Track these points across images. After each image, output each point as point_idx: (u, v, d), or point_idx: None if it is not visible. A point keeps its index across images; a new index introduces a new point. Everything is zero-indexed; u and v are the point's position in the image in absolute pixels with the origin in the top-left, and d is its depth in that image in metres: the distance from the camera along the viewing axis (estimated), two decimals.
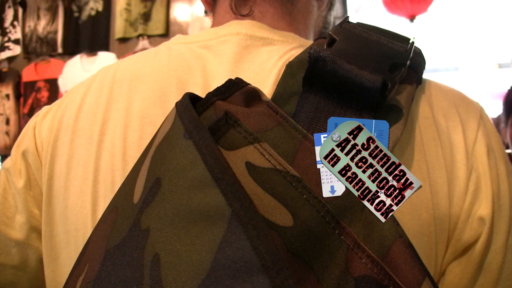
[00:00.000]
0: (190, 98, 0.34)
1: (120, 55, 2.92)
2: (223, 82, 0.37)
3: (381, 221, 0.30)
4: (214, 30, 0.49)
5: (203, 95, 0.36)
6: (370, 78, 0.35)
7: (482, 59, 4.78)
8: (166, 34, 2.86)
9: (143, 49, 2.85)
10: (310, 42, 0.48)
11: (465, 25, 4.10)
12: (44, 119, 0.49)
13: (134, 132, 0.43)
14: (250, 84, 0.37)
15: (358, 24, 0.44)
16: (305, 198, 0.29)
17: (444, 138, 0.42)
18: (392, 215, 0.30)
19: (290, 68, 0.39)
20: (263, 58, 0.45)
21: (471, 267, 0.40)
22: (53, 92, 3.07)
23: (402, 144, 0.40)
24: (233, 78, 0.37)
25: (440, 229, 0.39)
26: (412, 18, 2.85)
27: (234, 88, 0.36)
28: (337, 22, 0.45)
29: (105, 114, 0.44)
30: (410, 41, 0.42)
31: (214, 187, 0.27)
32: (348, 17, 0.44)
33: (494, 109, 4.01)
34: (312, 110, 0.36)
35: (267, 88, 0.41)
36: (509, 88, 1.15)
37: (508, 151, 1.10)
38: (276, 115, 0.34)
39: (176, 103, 0.34)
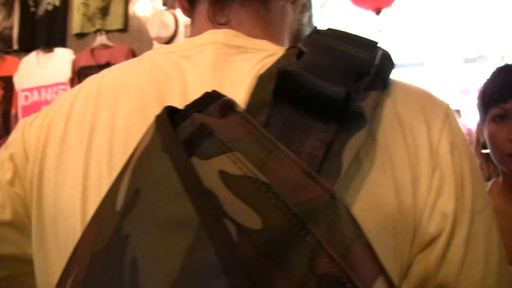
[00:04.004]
0: (170, 111, 0.38)
1: (77, 51, 2.87)
2: (200, 95, 0.40)
3: (342, 222, 0.32)
4: (193, 40, 0.51)
5: (182, 104, 0.39)
6: (333, 90, 0.38)
7: (448, 54, 4.85)
8: (124, 29, 2.81)
9: (101, 45, 2.79)
10: (283, 49, 0.49)
11: (431, 20, 4.13)
12: (32, 125, 0.51)
13: (119, 141, 0.45)
14: (225, 96, 0.39)
15: (327, 32, 0.47)
16: (273, 202, 0.31)
17: (409, 138, 0.44)
18: (353, 217, 0.33)
19: (261, 80, 0.42)
20: (238, 67, 0.47)
21: (435, 259, 0.43)
22: (8, 90, 2.99)
23: (367, 147, 0.42)
24: (210, 89, 0.40)
25: (405, 223, 0.42)
26: (378, 11, 2.84)
27: (210, 100, 0.39)
28: (314, 20, 0.48)
29: (92, 124, 0.46)
30: (376, 49, 0.45)
31: (186, 197, 0.30)
32: (316, 27, 0.47)
33: (460, 103, 4.05)
34: (282, 120, 0.39)
35: (241, 97, 0.43)
36: (484, 82, 1.09)
37: (486, 151, 1.10)
38: (249, 125, 0.36)
39: (156, 117, 0.37)
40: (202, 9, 0.52)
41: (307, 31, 0.58)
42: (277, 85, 0.40)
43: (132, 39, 2.79)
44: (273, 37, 0.52)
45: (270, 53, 0.48)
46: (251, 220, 0.31)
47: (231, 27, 0.50)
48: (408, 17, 3.93)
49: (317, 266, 0.30)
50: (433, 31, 4.40)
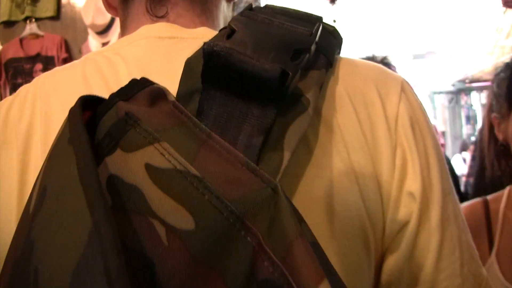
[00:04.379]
0: (93, 100, 0.36)
1: (5, 41, 2.69)
2: (128, 82, 0.37)
3: (284, 219, 0.29)
4: (128, 36, 0.50)
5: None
6: (266, 68, 0.35)
7: (397, 50, 4.91)
8: (57, 17, 2.63)
9: (31, 34, 2.60)
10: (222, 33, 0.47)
11: (381, 16, 4.14)
12: None
13: (38, 142, 0.44)
14: (156, 84, 0.37)
15: (263, 9, 0.44)
16: (207, 199, 0.29)
17: (362, 116, 0.42)
18: (294, 212, 0.30)
19: (189, 64, 0.40)
20: (172, 57, 0.45)
21: (406, 247, 0.41)
22: None
23: (315, 130, 0.40)
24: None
25: (372, 211, 0.40)
26: (332, 1, 2.82)
27: (137, 88, 0.36)
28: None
29: (29, 129, 0.44)
30: (317, 24, 0.41)
31: (82, 195, 0.27)
32: (250, 4, 0.44)
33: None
34: (215, 106, 0.36)
35: (175, 86, 0.39)
36: (508, 75, 0.99)
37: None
38: (181, 115, 0.34)
39: (70, 109, 0.34)
40: (139, 3, 0.51)
41: None
42: (205, 68, 0.36)
43: (65, 28, 2.62)
44: (214, 27, 0.52)
45: (206, 39, 0.44)
46: (183, 219, 0.29)
47: (168, 21, 0.50)
48: (359, 12, 3.92)
49: (258, 271, 0.28)
50: (382, 27, 4.43)
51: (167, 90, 0.36)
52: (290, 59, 0.36)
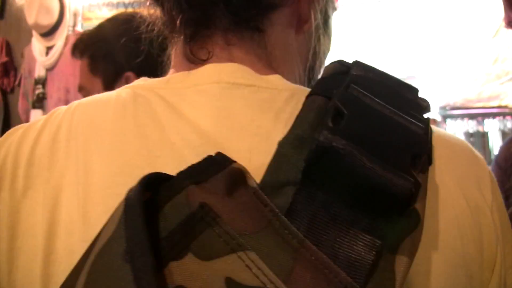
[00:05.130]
0: (156, 178, 0.30)
1: None
2: (202, 159, 0.31)
3: None
4: (186, 75, 0.42)
5: (175, 164, 0.33)
6: (395, 183, 0.30)
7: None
8: (0, 16, 2.45)
9: None
10: (301, 88, 0.42)
11: (361, 38, 4.05)
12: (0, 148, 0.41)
13: (96, 206, 0.36)
14: (235, 162, 0.31)
15: (362, 81, 0.38)
16: None
17: (472, 206, 0.40)
18: None
19: (282, 149, 0.34)
20: (255, 112, 0.39)
21: None
22: None
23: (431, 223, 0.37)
24: (214, 146, 0.36)
25: None
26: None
27: (214, 168, 0.31)
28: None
29: (59, 179, 0.38)
30: (427, 113, 0.38)
31: None
32: (353, 76, 0.39)
33: None
34: (313, 207, 0.31)
35: (267, 157, 0.34)
36: None
37: None
38: (265, 209, 0.29)
39: (127, 197, 0.29)
40: (178, 47, 0.45)
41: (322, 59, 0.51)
42: (312, 163, 0.31)
43: (9, 29, 2.44)
44: (281, 73, 0.43)
45: (288, 94, 0.41)
46: None
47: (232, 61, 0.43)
48: (339, 37, 3.78)
49: None
50: (364, 51, 4.35)
51: (248, 172, 0.31)
52: (409, 166, 0.32)
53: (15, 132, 0.42)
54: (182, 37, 0.43)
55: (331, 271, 0.27)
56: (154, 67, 0.55)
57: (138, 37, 0.49)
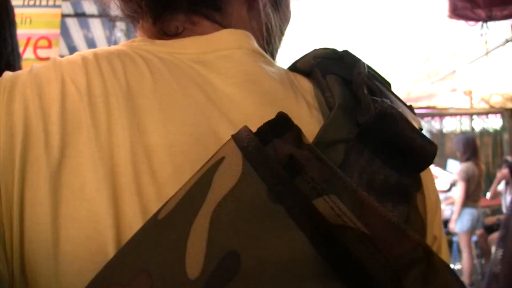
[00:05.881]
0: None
1: None
2: (275, 116, 0.33)
3: (440, 272, 0.30)
4: (204, 39, 0.43)
5: (226, 123, 0.37)
6: (431, 146, 0.38)
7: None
8: None
9: None
10: (272, 61, 0.47)
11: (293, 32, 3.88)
12: (12, 102, 0.37)
13: (164, 165, 0.36)
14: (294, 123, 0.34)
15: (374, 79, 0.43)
16: (376, 258, 0.28)
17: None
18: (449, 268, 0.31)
19: (341, 110, 0.39)
20: (276, 83, 0.42)
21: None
22: None
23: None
24: (260, 112, 0.39)
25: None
26: None
27: (286, 125, 0.32)
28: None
29: (109, 137, 0.36)
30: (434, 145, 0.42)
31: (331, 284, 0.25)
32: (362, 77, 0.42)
33: None
34: (361, 162, 0.36)
35: (299, 121, 0.36)
36: None
37: None
38: (327, 162, 0.32)
39: (236, 139, 0.31)
40: (144, 29, 0.47)
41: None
42: (369, 125, 0.36)
43: None
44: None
45: (276, 66, 0.46)
46: None
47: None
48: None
49: None
50: (298, 46, 4.17)
51: (302, 132, 0.33)
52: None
53: (20, 83, 0.38)
54: (148, 20, 0.43)
55: (384, 212, 0.30)
56: None
57: None
